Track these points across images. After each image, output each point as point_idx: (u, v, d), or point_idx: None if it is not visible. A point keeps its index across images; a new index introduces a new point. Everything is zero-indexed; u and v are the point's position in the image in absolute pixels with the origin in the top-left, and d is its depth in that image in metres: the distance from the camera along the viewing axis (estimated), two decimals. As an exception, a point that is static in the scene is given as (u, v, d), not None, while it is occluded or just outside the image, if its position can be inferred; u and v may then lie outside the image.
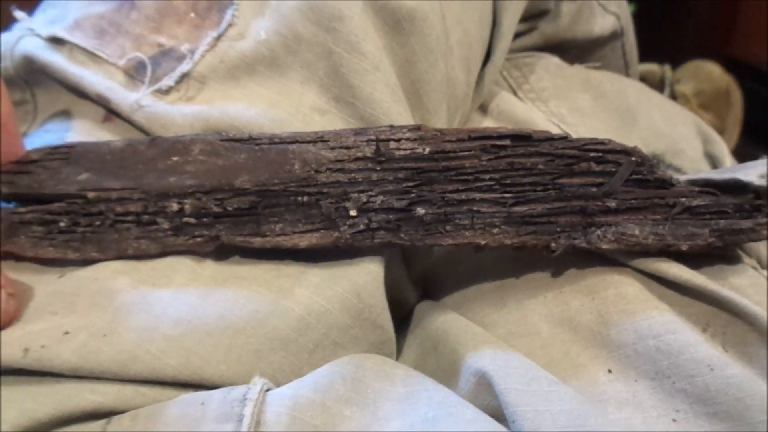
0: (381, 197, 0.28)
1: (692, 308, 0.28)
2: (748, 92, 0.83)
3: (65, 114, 0.32)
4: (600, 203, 0.28)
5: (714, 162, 0.43)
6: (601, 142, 0.29)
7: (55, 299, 0.26)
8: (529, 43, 0.49)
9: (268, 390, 0.25)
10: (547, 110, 0.44)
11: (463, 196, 0.28)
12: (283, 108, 0.30)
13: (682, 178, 0.30)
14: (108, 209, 0.28)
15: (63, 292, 0.27)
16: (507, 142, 0.29)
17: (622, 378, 0.26)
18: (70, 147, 0.29)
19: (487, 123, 0.43)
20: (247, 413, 0.23)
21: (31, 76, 0.33)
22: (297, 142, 0.29)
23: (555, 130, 0.42)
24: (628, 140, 0.43)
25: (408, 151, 0.28)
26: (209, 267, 0.29)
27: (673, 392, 0.25)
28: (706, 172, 0.36)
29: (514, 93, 0.45)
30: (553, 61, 0.47)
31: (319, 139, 0.29)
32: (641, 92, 0.47)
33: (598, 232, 0.28)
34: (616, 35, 0.53)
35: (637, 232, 0.28)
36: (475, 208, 0.28)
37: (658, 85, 0.84)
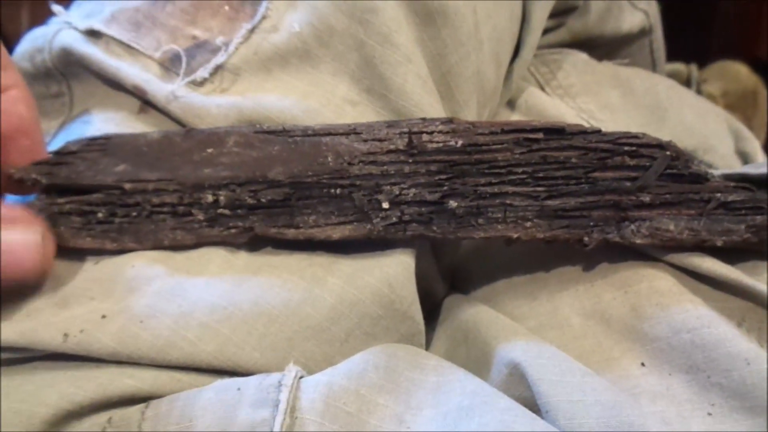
0: (413, 190, 0.28)
1: (727, 303, 0.27)
2: (776, 92, 0.81)
3: (101, 105, 0.33)
4: (634, 197, 0.28)
5: (746, 159, 0.43)
6: (635, 136, 0.29)
7: (93, 284, 0.27)
8: (557, 40, 0.49)
9: (301, 377, 0.25)
10: (576, 106, 0.44)
11: (496, 189, 0.28)
12: (315, 99, 0.31)
13: (717, 172, 0.30)
14: (144, 200, 0.29)
15: (100, 278, 0.27)
16: (540, 135, 0.28)
17: (656, 371, 0.26)
18: (108, 138, 0.30)
19: (515, 118, 0.43)
20: (283, 399, 0.24)
21: (68, 69, 0.34)
22: (330, 134, 0.29)
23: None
24: (659, 136, 0.43)
25: (440, 144, 0.29)
26: (242, 257, 0.29)
27: (708, 386, 0.25)
28: (741, 167, 0.36)
29: (542, 89, 0.45)
30: (581, 57, 0.47)
31: (352, 131, 0.29)
32: (671, 89, 0.47)
33: (632, 226, 0.28)
34: (644, 32, 0.53)
35: (671, 227, 0.28)
36: (507, 202, 0.28)
37: (684, 85, 0.83)
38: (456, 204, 0.28)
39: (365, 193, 0.28)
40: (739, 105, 0.84)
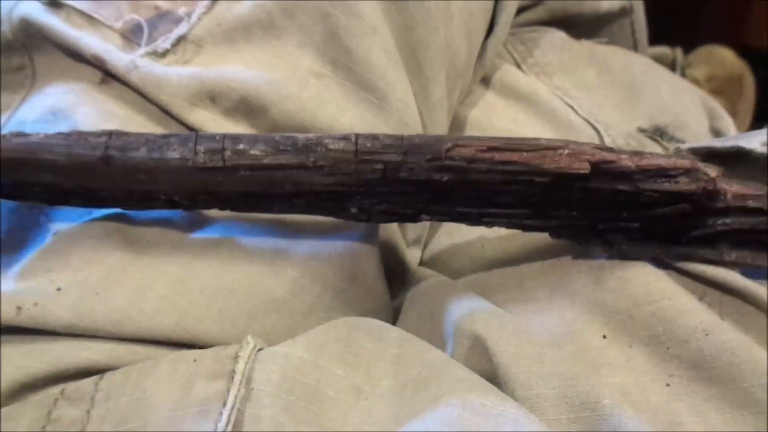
0: (385, 205, 0.26)
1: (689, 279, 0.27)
2: (761, 78, 0.82)
3: (63, 77, 0.32)
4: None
5: (719, 136, 0.43)
6: None
7: (51, 255, 0.27)
8: (535, 18, 0.49)
9: (260, 349, 0.25)
10: (551, 84, 0.43)
11: (475, 210, 0.26)
12: (279, 71, 0.30)
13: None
14: None
15: (57, 250, 0.27)
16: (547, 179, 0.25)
17: (617, 343, 0.26)
18: None
19: (490, 95, 0.42)
20: (239, 370, 0.23)
21: (29, 40, 0.33)
22: (283, 168, 0.24)
23: (558, 103, 0.42)
24: (633, 114, 0.42)
25: (423, 178, 0.25)
26: (204, 230, 0.28)
27: (667, 357, 0.25)
28: (708, 140, 0.36)
29: (518, 66, 0.44)
30: (558, 35, 0.47)
31: (313, 164, 0.24)
32: (648, 67, 0.47)
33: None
34: (624, 12, 0.53)
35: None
36: (485, 220, 0.27)
37: (669, 68, 0.83)
38: (429, 218, 0.26)
39: (332, 203, 0.26)
40: (724, 90, 0.83)
